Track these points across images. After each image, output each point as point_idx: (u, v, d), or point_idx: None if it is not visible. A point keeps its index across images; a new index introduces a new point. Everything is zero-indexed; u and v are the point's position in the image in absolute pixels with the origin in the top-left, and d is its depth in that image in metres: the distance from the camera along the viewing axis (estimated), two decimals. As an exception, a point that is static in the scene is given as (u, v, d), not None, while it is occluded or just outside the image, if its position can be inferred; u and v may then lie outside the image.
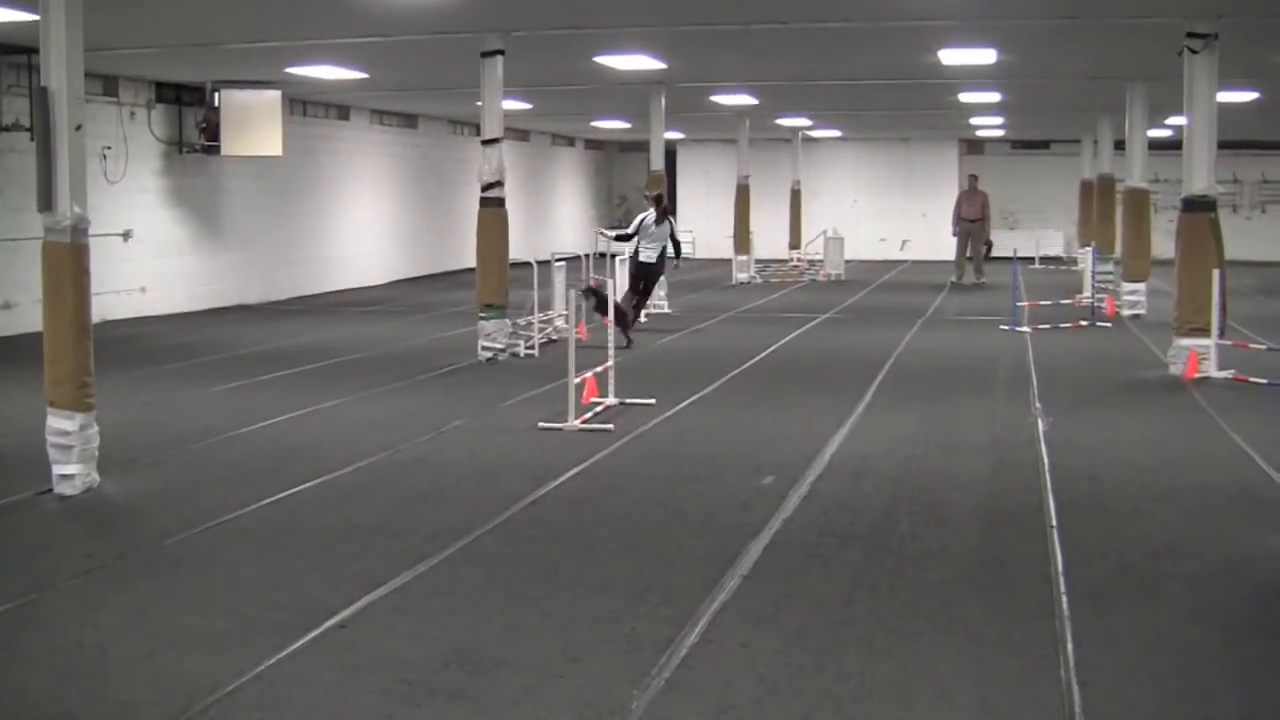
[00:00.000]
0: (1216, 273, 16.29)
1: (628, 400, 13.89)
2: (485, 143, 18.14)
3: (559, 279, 18.94)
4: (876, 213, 44.58)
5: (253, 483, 10.43)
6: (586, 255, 21.72)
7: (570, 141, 44.99)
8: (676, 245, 21.18)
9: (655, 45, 19.84)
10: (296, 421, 13.27)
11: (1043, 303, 24.53)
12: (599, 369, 13.86)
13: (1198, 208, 16.55)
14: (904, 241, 44.23)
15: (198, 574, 8.10)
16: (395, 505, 9.89)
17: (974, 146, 45.21)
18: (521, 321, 18.80)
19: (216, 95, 23.64)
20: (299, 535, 9.04)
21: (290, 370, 16.83)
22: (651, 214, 20.79)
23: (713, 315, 24.00)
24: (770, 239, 38.30)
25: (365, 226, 31.51)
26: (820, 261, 35.79)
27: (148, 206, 23.53)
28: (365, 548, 8.64)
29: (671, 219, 21.54)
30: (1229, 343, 16.85)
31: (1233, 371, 16.18)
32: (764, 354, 18.40)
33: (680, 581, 7.83)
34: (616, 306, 16.99)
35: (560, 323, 19.12)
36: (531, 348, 18.16)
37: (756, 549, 8.46)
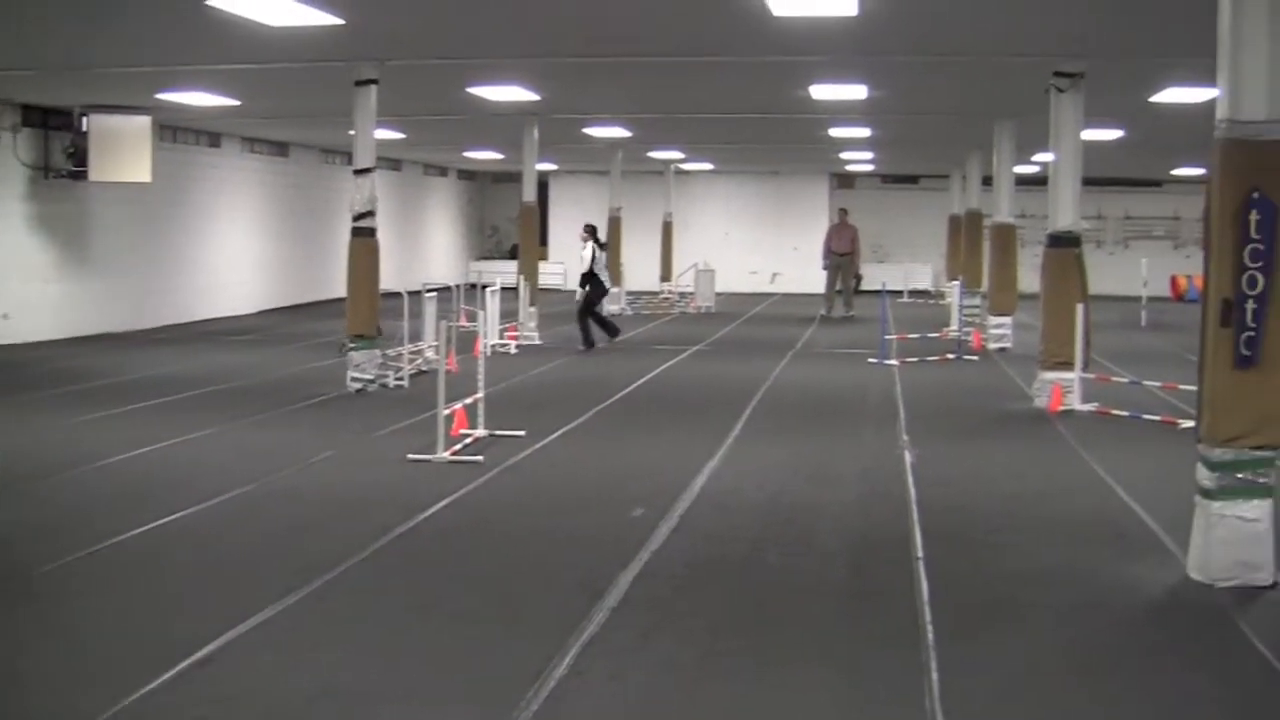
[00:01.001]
0: (1080, 307, 16.56)
1: (498, 432, 13.85)
2: (357, 172, 18.06)
3: (430, 309, 18.88)
4: (748, 245, 44.85)
5: (118, 515, 10.26)
6: (458, 286, 21.69)
7: (443, 171, 44.88)
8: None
9: (529, 77, 19.86)
10: (164, 452, 13.10)
11: (911, 336, 24.81)
12: (469, 400, 13.82)
13: (1062, 243, 16.82)
14: (775, 274, 44.54)
15: (56, 609, 7.96)
16: (263, 537, 9.81)
17: (845, 180, 45.67)
18: (392, 352, 18.70)
19: (85, 120, 23.28)
20: (164, 568, 8.93)
21: (158, 400, 16.61)
22: (591, 246, 23.90)
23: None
24: (642, 271, 38.48)
25: (236, 254, 31.19)
26: (691, 294, 35.94)
27: (12, 232, 23.13)
28: (232, 580, 8.55)
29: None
30: (1092, 376, 17.13)
31: (1096, 404, 16.46)
32: (634, 385, 18.45)
33: (550, 613, 7.82)
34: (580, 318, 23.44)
35: (430, 354, 19.06)
36: (401, 379, 18.07)
37: (626, 580, 8.47)
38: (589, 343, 23.72)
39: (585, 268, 24.16)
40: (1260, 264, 8.36)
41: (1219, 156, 8.54)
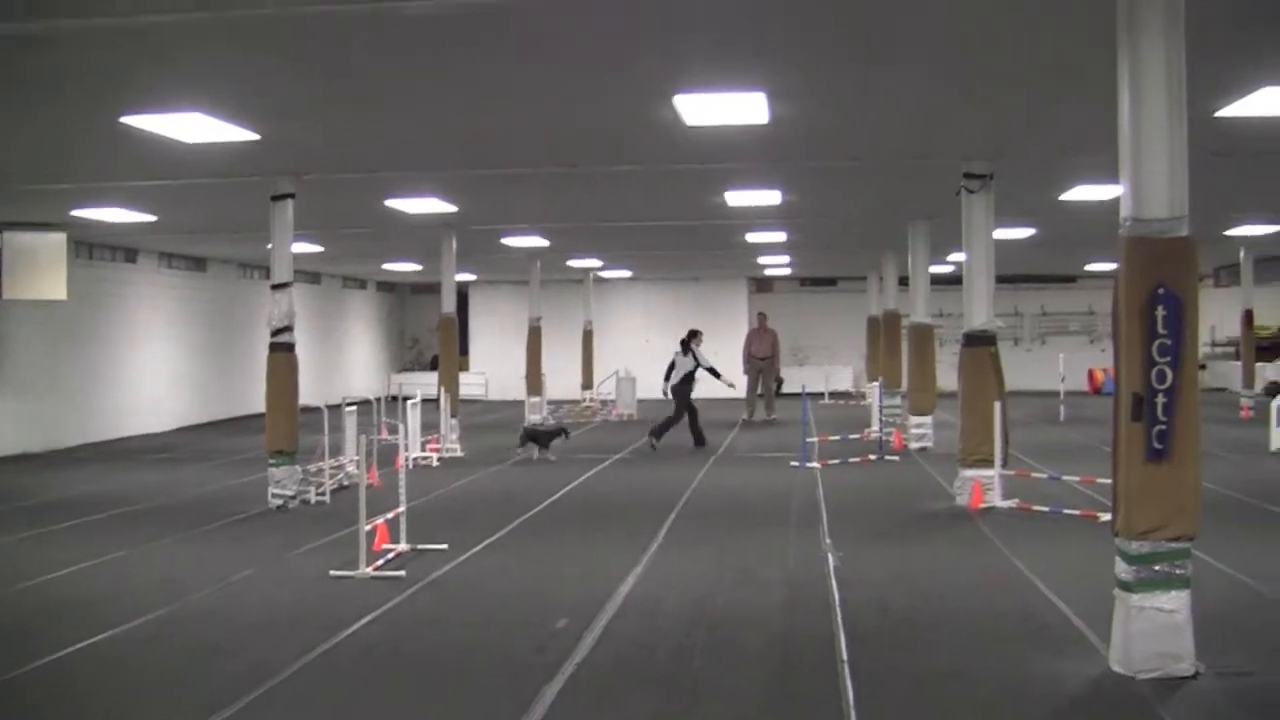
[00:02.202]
0: (998, 404, 16.72)
1: (420, 546, 13.78)
2: (275, 287, 18.02)
3: (350, 423, 18.82)
4: (669, 351, 44.50)
5: (34, 639, 10.13)
6: (378, 399, 21.62)
7: (362, 284, 44.86)
8: (710, 369, 27.03)
9: (446, 189, 19.98)
10: (82, 574, 12.95)
11: (833, 438, 24.93)
12: (391, 515, 13.76)
13: (978, 342, 17.00)
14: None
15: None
16: (183, 657, 9.70)
17: (763, 284, 46.04)
18: (312, 468, 18.59)
19: (-1, 237, 23.18)
20: (81, 694, 8.81)
21: (74, 521, 16.44)
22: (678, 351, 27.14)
23: (506, 457, 23.94)
24: (563, 379, 38.58)
25: (153, 371, 30.99)
26: (613, 401, 35.99)
27: (-75, 353, 22.95)
28: (150, 705, 8.46)
29: (694, 349, 27.09)
30: (1012, 473, 17.27)
31: (1017, 500, 16.59)
32: (558, 495, 18.41)
33: (475, 727, 7.78)
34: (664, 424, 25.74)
35: (351, 468, 18.98)
36: (323, 494, 17.96)
37: (551, 692, 8.43)
38: (701, 440, 25.76)
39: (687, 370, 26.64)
40: (1168, 358, 8.50)
41: (1124, 253, 8.70)
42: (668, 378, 27.08)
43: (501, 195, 21.13)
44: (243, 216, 22.08)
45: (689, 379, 26.70)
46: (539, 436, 24.07)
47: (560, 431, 24.63)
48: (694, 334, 27.58)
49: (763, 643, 9.85)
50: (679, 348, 27.21)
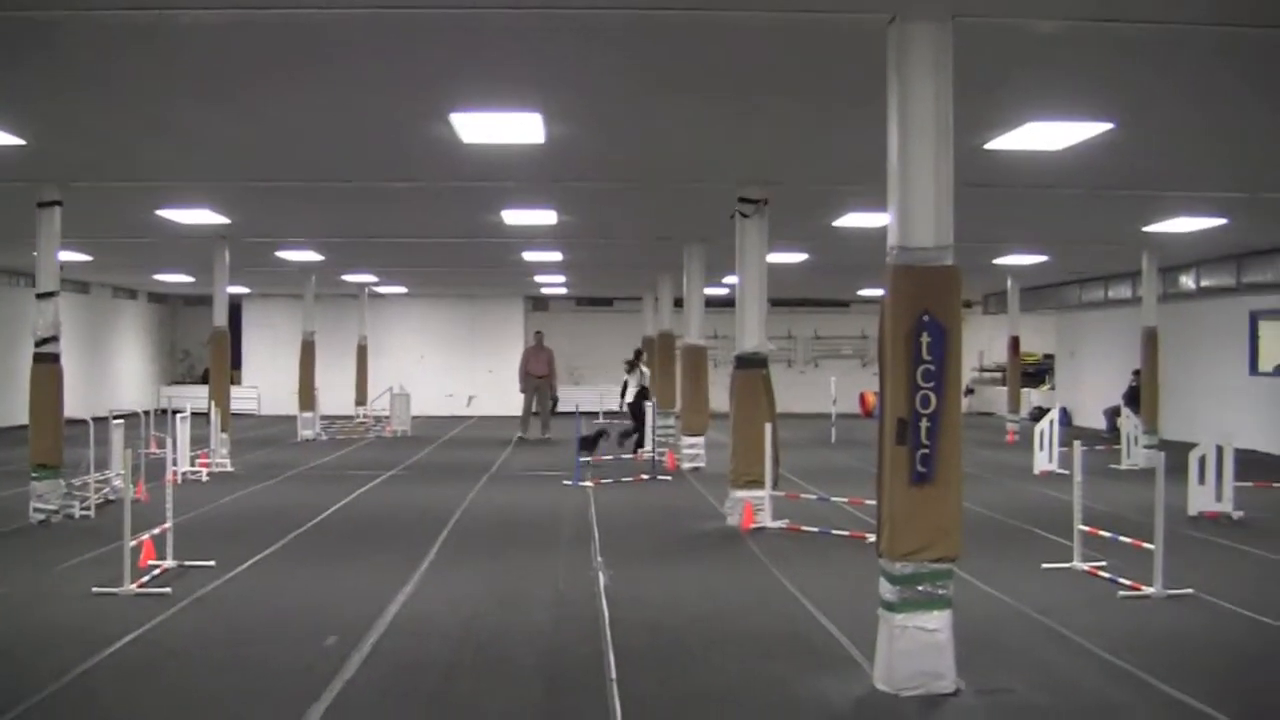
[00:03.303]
0: (768, 426, 16.94)
1: (188, 562, 13.53)
2: (40, 296, 17.57)
3: (117, 437, 18.41)
4: (443, 369, 44.79)
5: None
6: (146, 412, 21.19)
7: (133, 294, 43.86)
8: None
9: (218, 200, 19.64)
10: None
11: (606, 458, 25.04)
12: (157, 530, 13.49)
13: (750, 364, 17.21)
14: (470, 397, 44.50)
15: None
16: (-66, 680, 9.40)
17: (540, 303, 46.07)
18: (76, 481, 18.15)
19: None
20: None
21: None
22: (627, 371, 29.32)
23: (277, 473, 23.64)
24: (336, 395, 38.14)
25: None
26: (387, 418, 35.73)
27: None
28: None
29: (640, 368, 29.54)
30: (782, 494, 17.51)
31: (786, 521, 16.82)
32: (328, 512, 18.21)
33: (239, 749, 7.66)
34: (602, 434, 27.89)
35: (118, 482, 18.56)
36: (87, 509, 17.53)
37: (317, 713, 8.34)
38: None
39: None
40: (932, 384, 8.71)
41: (891, 281, 8.89)
42: (623, 395, 29.62)
43: (276, 208, 20.86)
44: (7, 223, 21.47)
45: (644, 393, 28.66)
46: (590, 441, 26.01)
47: (602, 434, 27.96)
48: (639, 354, 30.26)
49: (532, 662, 9.85)
50: (626, 368, 29.80)
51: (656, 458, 24.42)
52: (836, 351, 46.73)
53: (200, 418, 23.94)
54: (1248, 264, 27.41)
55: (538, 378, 33.12)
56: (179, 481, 20.12)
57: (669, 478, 23.08)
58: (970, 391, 47.11)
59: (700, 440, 24.53)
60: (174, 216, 20.85)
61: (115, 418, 18.94)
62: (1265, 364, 30.45)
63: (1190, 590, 12.37)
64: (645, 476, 22.88)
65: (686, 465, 24.32)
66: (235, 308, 40.92)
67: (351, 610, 11.48)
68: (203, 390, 28.42)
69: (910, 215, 8.80)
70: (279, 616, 11.44)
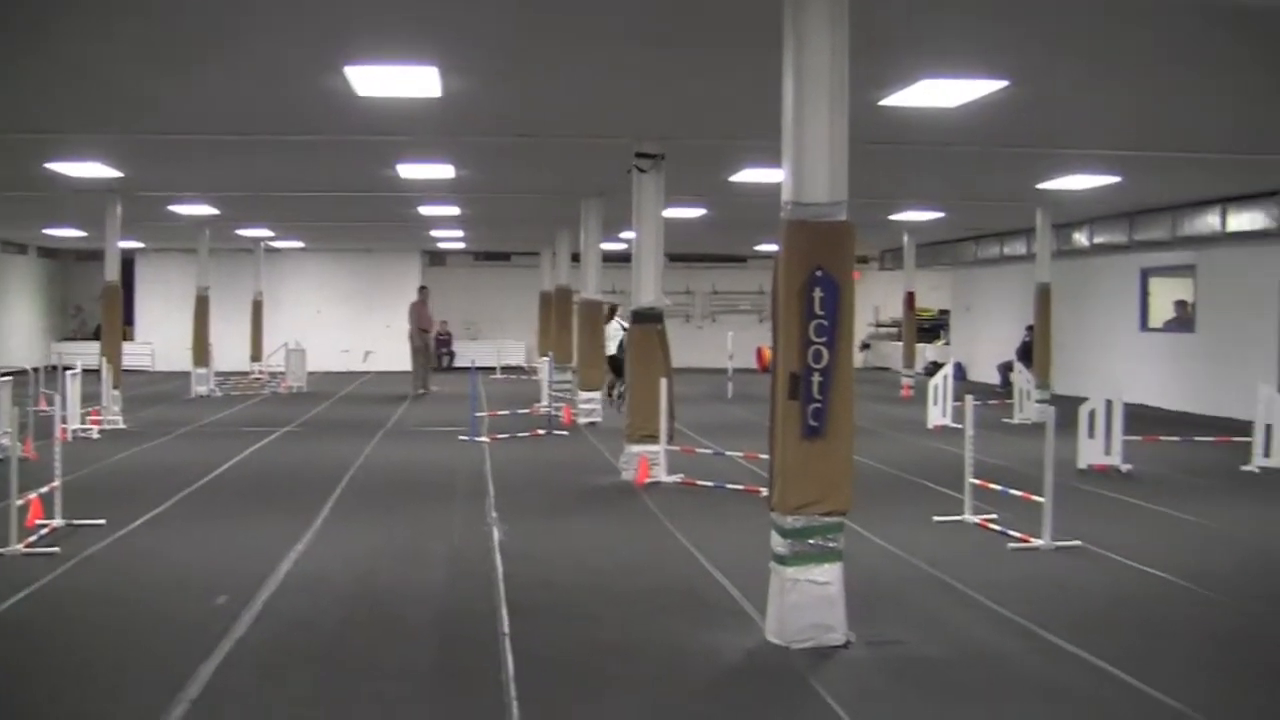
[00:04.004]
0: (664, 381, 16.97)
1: (76, 521, 13.35)
2: (-77, 252, 17.30)
3: (4, 394, 18.12)
4: (340, 323, 44.48)
5: None
6: (36, 369, 20.89)
7: (22, 249, 43.08)
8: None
9: (110, 153, 19.35)
10: None
11: (502, 413, 25.03)
12: (45, 489, 13.31)
13: (646, 319, 17.23)
14: (367, 353, 44.23)
15: None
16: None
17: (437, 258, 45.89)
18: (-37, 439, 17.87)
19: None
20: None
21: None
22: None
23: (170, 430, 23.41)
24: (232, 351, 37.79)
25: None
26: (283, 373, 35.47)
27: None
28: None
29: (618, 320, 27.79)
30: (678, 448, 17.56)
31: (681, 476, 16.88)
32: (221, 469, 18.05)
33: (127, 709, 7.57)
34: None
35: (4, 440, 18.28)
36: (-27, 467, 17.27)
37: (207, 671, 8.25)
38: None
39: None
40: (825, 339, 8.74)
41: (784, 236, 8.91)
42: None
43: (169, 162, 20.56)
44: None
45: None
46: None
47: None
48: (613, 309, 28.27)
49: (425, 618, 9.82)
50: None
51: (553, 413, 24.40)
52: (734, 307, 46.91)
53: (92, 374, 23.68)
54: (1140, 221, 27.75)
55: (425, 332, 33.11)
56: (69, 439, 19.91)
57: (565, 433, 23.10)
58: (866, 347, 47.47)
59: (597, 395, 24.57)
60: (63, 170, 20.52)
61: (3, 375, 18.66)
62: (1155, 320, 30.88)
63: (1078, 542, 12.54)
64: (542, 432, 22.87)
65: (583, 420, 24.33)
66: (129, 263, 40.56)
67: (243, 568, 11.38)
68: (95, 347, 28.10)
69: (804, 171, 8.80)
70: (170, 575, 11.32)
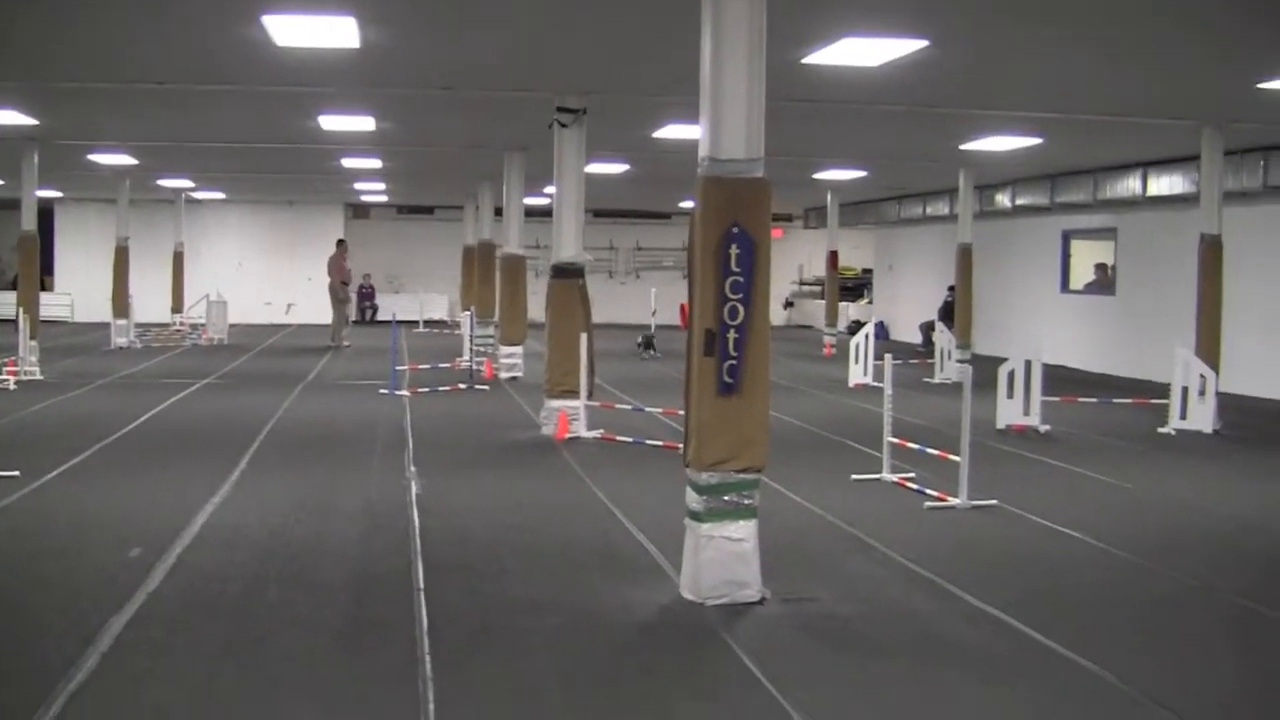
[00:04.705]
0: (584, 336, 16.97)
1: (-11, 473, 13.25)
2: None
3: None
4: (262, 276, 44.18)
5: None
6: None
7: (-64, 198, 42.55)
8: None
9: (26, 101, 19.09)
10: None
11: (423, 367, 24.95)
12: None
13: (566, 274, 17.20)
14: (289, 305, 43.97)
15: None
16: None
17: (360, 211, 45.66)
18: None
19: None
20: None
21: None
22: None
23: (88, 381, 23.19)
24: (152, 302, 37.46)
25: None
26: (203, 325, 35.21)
27: None
28: None
29: None
30: (597, 404, 17.58)
31: (601, 431, 16.91)
32: (139, 421, 17.90)
33: (37, 662, 7.49)
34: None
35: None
36: (-114, 417, 17.09)
37: (119, 624, 8.19)
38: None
39: None
40: (740, 295, 8.75)
41: (701, 192, 8.91)
42: None
43: (87, 110, 20.31)
44: None
45: None
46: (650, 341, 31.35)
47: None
48: None
49: (340, 572, 9.80)
50: None
51: (475, 367, 24.35)
52: (658, 263, 46.93)
53: (9, 325, 23.42)
54: (1061, 184, 27.98)
55: (344, 284, 33.05)
56: (-16, 390, 19.73)
57: (486, 387, 23.07)
58: (790, 305, 47.65)
59: (519, 350, 24.51)
60: (-23, 118, 20.25)
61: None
62: (1076, 282, 31.12)
63: (995, 501, 12.65)
64: (463, 386, 22.82)
65: (504, 375, 24.30)
66: (48, 213, 40.03)
67: (158, 521, 11.31)
68: (13, 297, 27.79)
69: (721, 126, 8.79)
70: (83, 528, 11.24)
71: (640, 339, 31.65)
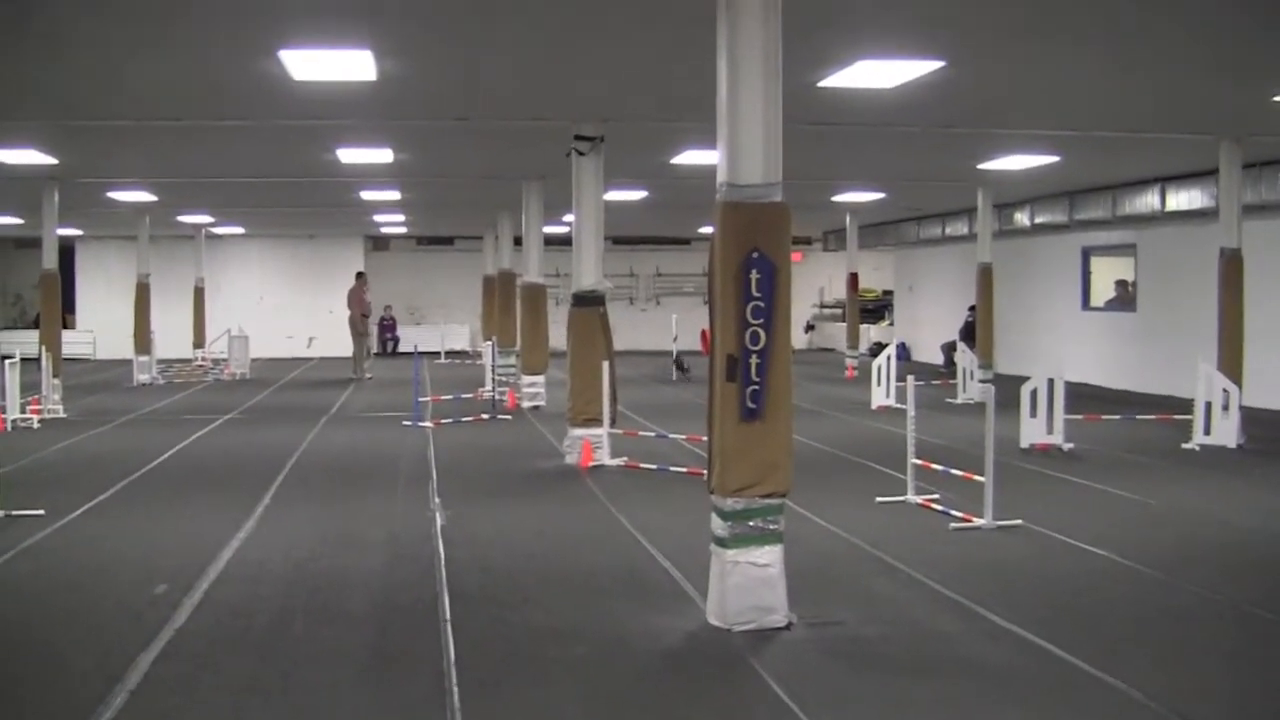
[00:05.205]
0: (606, 364, 16.96)
1: (15, 512, 13.23)
2: None
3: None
4: (283, 310, 44.24)
5: None
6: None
7: (-42, 237, 42.74)
8: None
9: (45, 140, 19.18)
10: None
11: (446, 397, 24.97)
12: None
13: (586, 302, 17.20)
14: (311, 338, 44.03)
15: None
16: None
17: (380, 243, 45.74)
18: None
19: None
20: None
21: None
22: None
23: (111, 418, 23.24)
24: (173, 338, 37.58)
25: None
26: (225, 360, 35.27)
27: None
28: None
29: None
30: (620, 431, 17.56)
31: (625, 458, 16.89)
32: (163, 458, 17.93)
33: (65, 701, 7.51)
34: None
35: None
36: (-88, 458, 17.13)
37: (146, 661, 8.21)
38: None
39: None
40: (762, 320, 8.75)
41: (720, 218, 8.91)
42: None
43: (106, 148, 20.40)
44: None
45: None
46: (682, 363, 32.13)
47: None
48: None
49: (366, 604, 9.79)
50: None
51: (497, 397, 24.36)
52: (678, 289, 46.93)
53: (32, 363, 23.50)
54: (1080, 201, 27.93)
55: (365, 317, 33.11)
56: (8, 429, 19.78)
57: (509, 417, 23.07)
58: (811, 328, 47.61)
59: (540, 379, 24.50)
60: (-1, 156, 20.35)
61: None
62: (1097, 299, 31.03)
63: (1020, 521, 12.61)
64: (485, 416, 22.83)
65: (526, 404, 24.29)
66: (69, 250, 40.11)
67: (183, 557, 11.32)
68: (35, 335, 27.88)
69: (739, 152, 8.80)
70: (110, 565, 11.24)
71: (675, 360, 32.11)
